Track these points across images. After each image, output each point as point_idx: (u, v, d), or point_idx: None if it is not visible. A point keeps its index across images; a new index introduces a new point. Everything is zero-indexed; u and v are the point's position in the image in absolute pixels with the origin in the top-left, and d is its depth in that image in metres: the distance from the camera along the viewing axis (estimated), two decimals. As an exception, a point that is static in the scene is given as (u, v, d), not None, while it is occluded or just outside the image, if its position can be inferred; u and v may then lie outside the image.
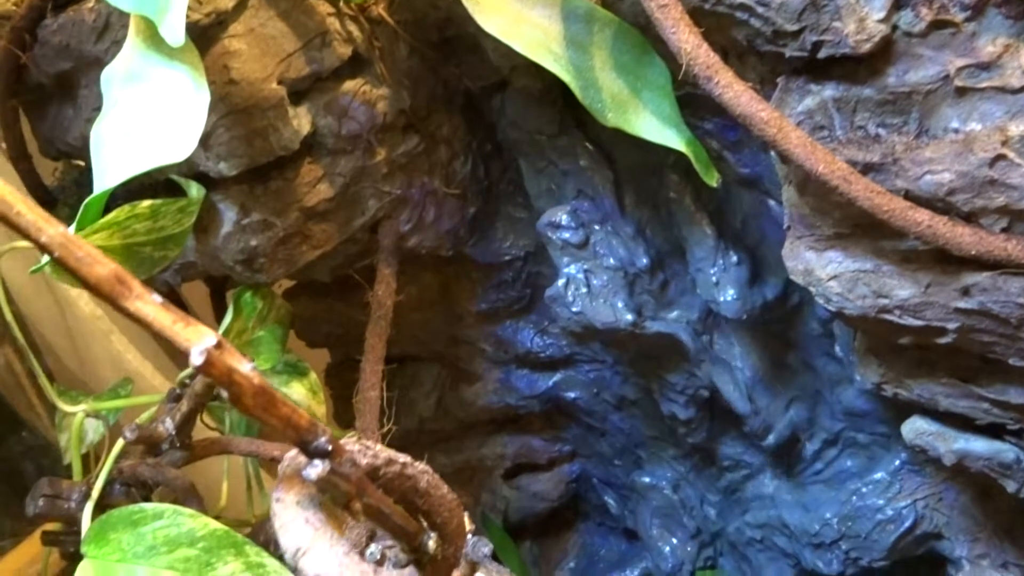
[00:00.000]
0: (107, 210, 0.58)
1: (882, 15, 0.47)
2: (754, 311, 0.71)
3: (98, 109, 0.57)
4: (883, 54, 0.48)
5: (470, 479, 0.97)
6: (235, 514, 0.74)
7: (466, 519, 0.43)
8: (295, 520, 0.28)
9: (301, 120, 0.65)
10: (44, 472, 0.65)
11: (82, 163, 0.76)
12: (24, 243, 0.71)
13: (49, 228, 0.27)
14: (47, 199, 0.76)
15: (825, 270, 0.55)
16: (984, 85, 0.46)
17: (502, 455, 0.96)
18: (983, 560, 0.72)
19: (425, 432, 0.93)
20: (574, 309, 0.75)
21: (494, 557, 0.57)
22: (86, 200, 0.54)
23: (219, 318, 0.81)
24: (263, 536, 0.68)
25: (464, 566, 0.45)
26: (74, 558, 0.57)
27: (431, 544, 0.38)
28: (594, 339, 0.82)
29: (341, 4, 0.66)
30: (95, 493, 0.60)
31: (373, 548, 0.44)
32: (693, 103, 0.61)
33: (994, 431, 0.59)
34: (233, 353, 0.28)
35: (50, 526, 0.66)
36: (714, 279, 0.71)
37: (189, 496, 0.64)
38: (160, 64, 0.53)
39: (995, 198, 0.47)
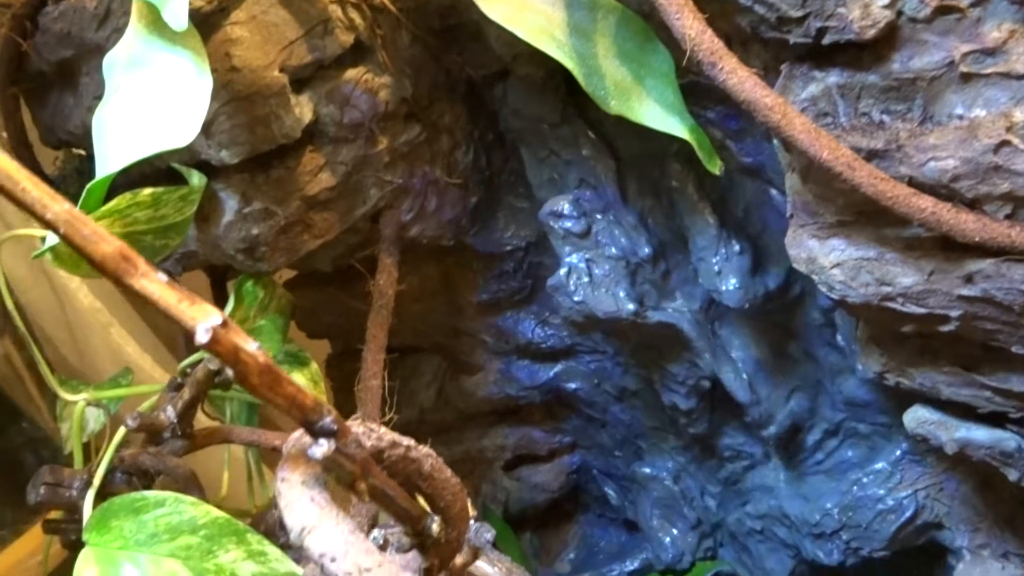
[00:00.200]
0: (108, 199, 0.58)
1: (887, 1, 0.47)
2: (756, 300, 0.71)
3: (99, 97, 0.57)
4: (888, 40, 0.48)
5: (470, 470, 0.97)
6: (235, 504, 0.74)
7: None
8: (301, 499, 0.28)
9: (303, 108, 0.65)
10: (44, 464, 0.65)
11: (83, 152, 0.75)
12: (23, 231, 0.71)
13: (55, 205, 0.26)
14: (48, 188, 0.75)
15: (828, 258, 0.55)
16: (989, 71, 0.46)
17: (503, 446, 0.96)
18: (984, 550, 0.72)
19: (425, 423, 0.93)
20: (576, 298, 0.75)
21: (494, 547, 0.57)
22: (89, 185, 0.54)
23: (220, 308, 0.81)
24: (263, 526, 0.68)
25: (467, 552, 0.45)
26: (75, 546, 0.57)
27: (435, 527, 0.38)
28: (595, 329, 0.82)
29: (343, -8, 0.66)
30: (96, 481, 0.60)
31: (376, 534, 0.44)
32: (696, 92, 0.61)
33: (995, 420, 0.59)
34: (239, 332, 0.28)
35: (51, 515, 0.66)
36: (716, 268, 0.71)
37: (190, 485, 0.64)
38: (163, 49, 0.53)
39: (999, 184, 0.47)
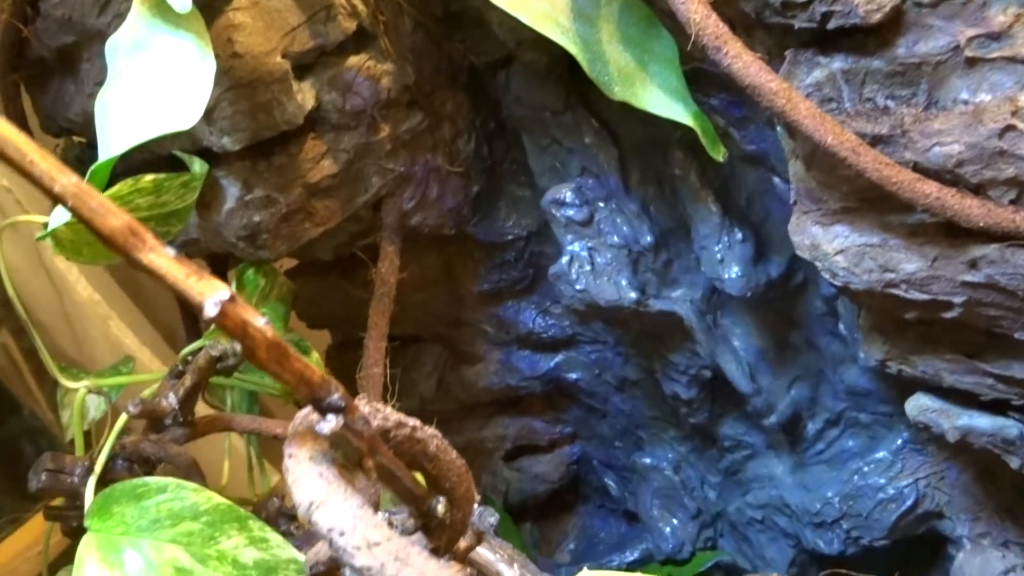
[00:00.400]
0: (109, 186, 0.58)
1: (892, -15, 0.47)
2: (758, 289, 0.71)
3: (100, 84, 0.57)
4: (893, 25, 0.48)
5: (471, 461, 0.95)
6: (236, 493, 0.74)
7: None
8: (308, 474, 0.28)
9: (305, 95, 0.65)
10: (42, 453, 0.65)
11: (84, 139, 0.75)
12: (22, 217, 0.71)
13: (62, 177, 0.26)
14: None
15: (831, 244, 0.55)
16: (994, 55, 0.46)
17: (503, 437, 0.96)
18: (984, 539, 0.72)
19: (426, 413, 0.92)
20: (578, 287, 0.75)
21: (496, 534, 0.57)
22: (92, 167, 0.54)
23: (221, 296, 0.81)
24: (264, 514, 0.68)
25: (470, 535, 0.45)
26: (76, 533, 0.57)
27: (440, 508, 0.38)
28: (597, 318, 0.82)
29: (345, -22, 0.65)
30: (98, 467, 0.60)
31: (380, 516, 0.44)
32: (699, 79, 0.61)
33: (998, 407, 0.59)
34: (247, 307, 0.28)
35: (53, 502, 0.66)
36: (719, 256, 0.71)
37: (192, 472, 0.63)
38: (165, 32, 0.52)
39: (1004, 169, 0.47)
